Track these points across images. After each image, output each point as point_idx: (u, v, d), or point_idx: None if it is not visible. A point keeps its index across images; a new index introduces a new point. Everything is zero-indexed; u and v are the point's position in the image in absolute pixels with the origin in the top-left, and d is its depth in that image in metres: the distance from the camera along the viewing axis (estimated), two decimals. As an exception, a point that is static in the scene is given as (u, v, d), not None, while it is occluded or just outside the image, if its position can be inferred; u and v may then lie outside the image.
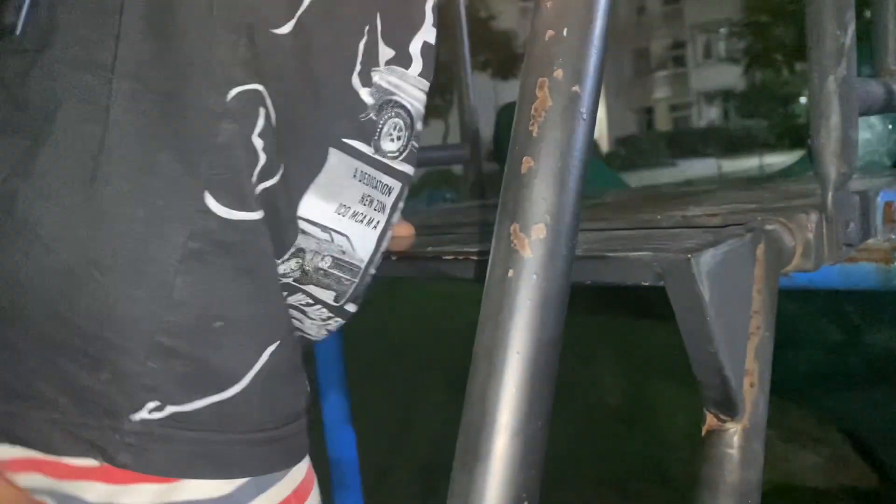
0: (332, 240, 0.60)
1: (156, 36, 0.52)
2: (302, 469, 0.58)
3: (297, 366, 0.57)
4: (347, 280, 0.62)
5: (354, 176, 0.60)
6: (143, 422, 0.48)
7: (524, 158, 0.35)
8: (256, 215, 0.52)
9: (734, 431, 0.59)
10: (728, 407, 0.58)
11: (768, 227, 0.63)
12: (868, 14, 0.99)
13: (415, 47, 0.62)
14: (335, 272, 0.61)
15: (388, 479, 2.58)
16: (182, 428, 0.49)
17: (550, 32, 0.37)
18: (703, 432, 0.59)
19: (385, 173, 0.62)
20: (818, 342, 2.13)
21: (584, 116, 0.36)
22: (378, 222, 0.63)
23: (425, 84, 0.63)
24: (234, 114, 0.51)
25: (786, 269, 0.66)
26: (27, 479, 0.53)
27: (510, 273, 0.34)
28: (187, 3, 0.52)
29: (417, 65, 0.62)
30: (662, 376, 3.08)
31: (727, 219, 0.69)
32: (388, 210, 0.64)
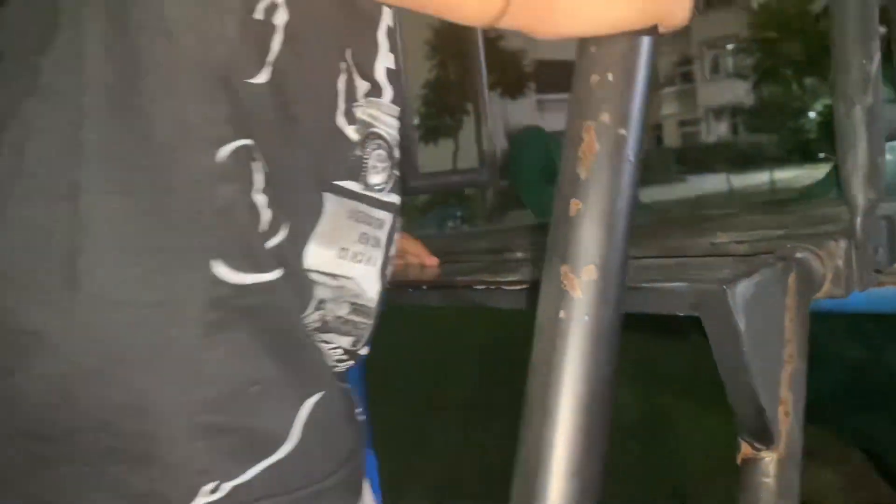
0: (343, 286, 0.59)
1: (123, 112, 0.48)
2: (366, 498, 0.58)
3: (348, 409, 0.57)
4: (364, 324, 0.62)
5: (351, 217, 0.59)
6: None
7: (573, 201, 0.36)
8: (272, 275, 0.51)
9: (770, 460, 0.59)
10: (763, 436, 0.58)
11: (798, 255, 0.64)
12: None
13: (380, 75, 0.62)
14: (353, 318, 0.61)
15: (405, 500, 2.57)
16: (244, 502, 0.48)
17: (595, 77, 0.37)
18: (739, 461, 0.59)
19: (376, 207, 0.61)
20: (839, 361, 2.12)
21: (631, 158, 0.37)
22: (376, 259, 0.62)
23: (396, 110, 0.64)
24: (229, 174, 0.49)
25: (816, 296, 0.67)
26: None
27: (562, 314, 0.34)
28: (153, 70, 0.49)
29: (388, 92, 0.62)
30: (678, 393, 3.06)
31: (756, 246, 0.69)
32: (383, 244, 0.63)
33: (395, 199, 0.64)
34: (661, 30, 0.40)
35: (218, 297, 0.48)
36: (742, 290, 0.54)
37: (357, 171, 0.59)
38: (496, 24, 0.43)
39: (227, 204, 0.49)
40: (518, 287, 0.67)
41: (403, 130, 0.67)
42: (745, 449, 0.58)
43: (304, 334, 0.55)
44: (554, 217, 0.37)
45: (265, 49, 0.51)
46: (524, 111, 23.04)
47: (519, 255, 0.90)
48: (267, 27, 0.51)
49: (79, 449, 0.47)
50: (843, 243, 0.66)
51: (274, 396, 0.50)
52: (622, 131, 0.36)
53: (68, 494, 0.48)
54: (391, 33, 0.64)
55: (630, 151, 0.37)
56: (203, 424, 0.47)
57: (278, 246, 0.52)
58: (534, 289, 0.68)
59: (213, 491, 0.47)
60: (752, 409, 0.58)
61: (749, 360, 0.55)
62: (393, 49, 0.63)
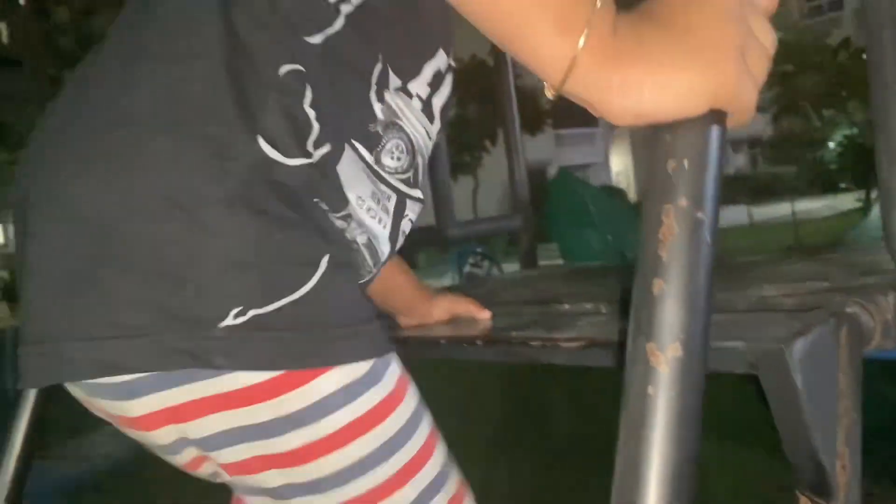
0: (364, 223, 0.66)
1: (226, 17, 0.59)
2: (392, 376, 0.62)
3: (356, 283, 0.64)
4: (370, 267, 0.68)
5: (364, 172, 0.66)
6: (229, 327, 0.54)
7: (655, 280, 0.38)
8: (312, 160, 0.59)
9: (830, 514, 0.60)
10: (823, 490, 0.60)
11: (849, 310, 0.65)
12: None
13: (413, 88, 0.69)
14: (365, 253, 0.67)
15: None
16: (264, 328, 0.54)
17: (672, 163, 0.40)
18: (800, 515, 0.60)
19: (382, 183, 0.68)
20: (875, 398, 2.11)
21: (708, 241, 0.39)
22: (385, 223, 0.69)
23: (427, 124, 0.71)
24: (287, 86, 0.58)
25: (866, 349, 0.68)
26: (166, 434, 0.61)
27: (649, 389, 0.36)
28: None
29: (418, 102, 0.70)
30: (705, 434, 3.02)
31: (805, 300, 0.71)
32: (391, 215, 0.69)
33: (402, 187, 0.70)
34: (729, 122, 0.43)
35: (264, 162, 0.56)
36: (799, 349, 0.56)
37: (373, 144, 0.66)
38: (563, 86, 0.45)
39: (283, 106, 0.57)
40: (575, 344, 0.69)
41: (440, 178, 0.72)
42: (805, 502, 0.60)
43: (332, 218, 0.62)
44: (635, 296, 0.39)
45: (326, 23, 0.62)
46: (543, 147, 23.15)
47: (566, 306, 0.92)
48: (335, 10, 0.62)
49: (123, 272, 0.54)
50: (891, 297, 0.68)
51: (298, 246, 0.57)
52: (699, 215, 0.39)
53: (114, 302, 0.55)
54: (437, 76, 0.72)
55: (707, 233, 0.39)
56: (234, 260, 0.54)
57: (324, 156, 0.60)
58: (591, 346, 0.71)
59: (239, 315, 0.54)
60: (811, 464, 0.59)
61: (808, 416, 0.56)
62: (433, 88, 0.72)
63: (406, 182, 0.71)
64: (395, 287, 0.98)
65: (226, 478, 0.65)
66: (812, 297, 0.72)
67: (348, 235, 0.64)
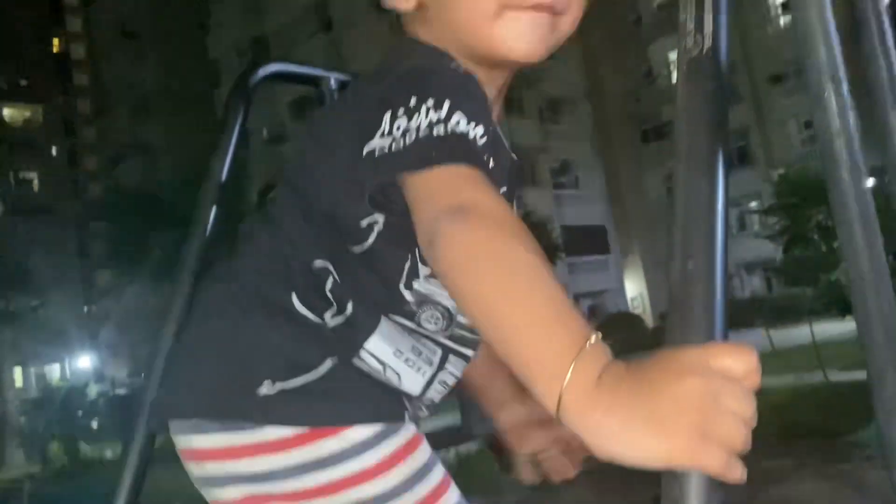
0: (385, 372, 0.81)
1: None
2: (400, 437, 0.79)
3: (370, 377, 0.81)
4: (396, 383, 0.82)
5: (405, 332, 0.81)
6: (265, 395, 0.77)
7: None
8: (329, 325, 0.80)
9: None
10: None
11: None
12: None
13: None
14: (392, 378, 0.82)
15: None
16: (288, 398, 0.77)
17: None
18: None
19: (428, 340, 0.83)
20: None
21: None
22: (425, 371, 0.83)
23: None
24: (316, 274, 0.81)
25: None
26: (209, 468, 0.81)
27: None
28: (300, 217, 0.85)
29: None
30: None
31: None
32: (435, 365, 0.84)
33: (449, 343, 0.84)
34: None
35: (297, 312, 0.80)
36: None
37: (410, 315, 0.81)
38: (557, 414, 0.54)
39: (314, 286, 0.80)
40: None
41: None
42: None
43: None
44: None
45: (364, 237, 0.79)
46: (557, 275, 23.36)
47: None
48: (368, 231, 0.79)
49: (189, 352, 0.88)
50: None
51: (307, 346, 0.80)
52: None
53: (181, 379, 0.87)
54: None
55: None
56: (268, 349, 0.80)
57: (340, 325, 0.80)
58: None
59: (269, 386, 0.77)
60: None
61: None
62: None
63: (453, 338, 0.84)
64: (487, 386, 0.99)
65: None
66: None
67: (371, 364, 0.81)
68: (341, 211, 0.79)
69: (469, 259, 0.60)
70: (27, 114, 43.53)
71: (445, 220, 0.62)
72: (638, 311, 28.47)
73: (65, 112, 45.23)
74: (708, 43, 0.59)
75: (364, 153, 0.70)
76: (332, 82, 1.35)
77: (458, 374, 0.87)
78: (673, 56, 29.47)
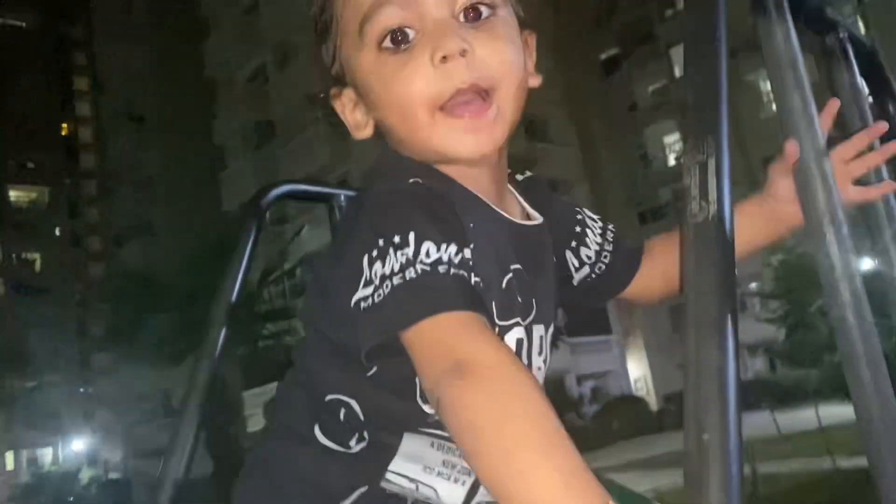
0: (418, 489, 0.80)
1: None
2: None
3: None
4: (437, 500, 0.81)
5: (433, 446, 0.81)
6: None
7: None
8: (352, 451, 0.83)
9: None
10: None
11: None
12: None
13: None
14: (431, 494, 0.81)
15: None
16: None
17: None
18: None
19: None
20: None
21: None
22: (465, 482, 0.81)
23: None
24: (330, 407, 0.83)
25: None
26: None
27: None
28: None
29: None
30: None
31: None
32: (473, 475, 0.80)
33: None
34: None
35: (316, 441, 0.85)
36: None
37: (440, 426, 0.79)
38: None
39: (332, 417, 0.84)
40: None
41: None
42: None
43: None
44: None
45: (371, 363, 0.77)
46: (559, 357, 23.22)
47: None
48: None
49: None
50: None
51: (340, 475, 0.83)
52: None
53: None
54: None
55: None
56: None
57: (364, 448, 0.82)
58: None
59: None
60: None
61: None
62: None
63: None
64: None
65: None
66: None
67: (403, 484, 0.82)
68: (351, 343, 0.76)
69: (472, 428, 0.59)
70: (33, 195, 44.12)
71: (444, 384, 0.62)
72: (641, 394, 28.11)
73: (70, 193, 45.87)
74: (713, 209, 0.61)
75: (352, 303, 0.70)
76: (342, 199, 1.38)
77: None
78: (668, 139, 30.15)
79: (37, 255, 42.17)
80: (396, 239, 0.68)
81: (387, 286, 0.67)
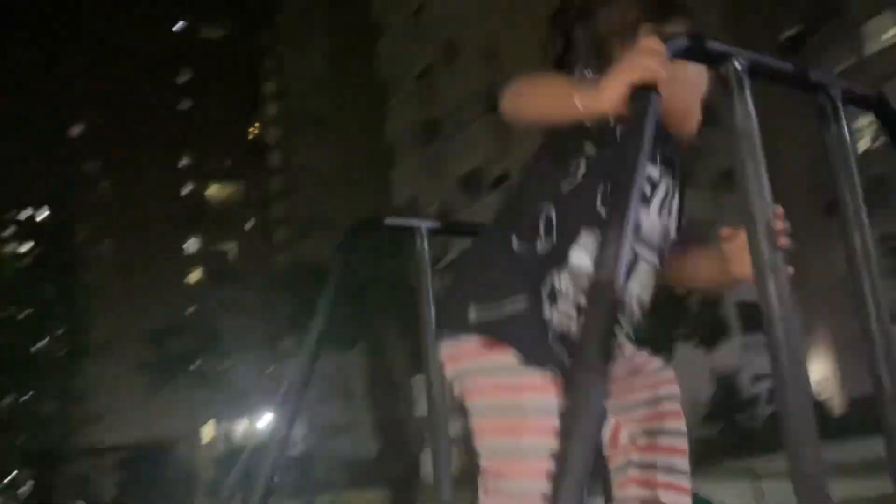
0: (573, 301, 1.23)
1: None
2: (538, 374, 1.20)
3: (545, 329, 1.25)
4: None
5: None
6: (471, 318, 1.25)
7: None
8: (540, 252, 1.27)
9: None
10: None
11: None
12: None
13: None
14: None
15: None
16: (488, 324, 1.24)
17: None
18: None
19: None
20: None
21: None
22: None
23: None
24: (532, 220, 1.28)
25: None
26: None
27: None
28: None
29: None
30: None
31: None
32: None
33: (637, 248, 1.30)
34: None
35: (515, 247, 1.30)
36: None
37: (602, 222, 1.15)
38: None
39: (530, 224, 1.29)
40: None
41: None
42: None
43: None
44: None
45: (575, 171, 1.30)
46: (731, 356, 22.13)
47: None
48: (577, 167, 1.30)
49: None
50: None
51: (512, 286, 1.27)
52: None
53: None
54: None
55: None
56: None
57: (550, 248, 1.26)
58: None
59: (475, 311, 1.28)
60: None
61: None
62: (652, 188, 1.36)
63: (643, 242, 1.31)
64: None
65: None
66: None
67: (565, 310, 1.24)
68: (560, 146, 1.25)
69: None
70: (228, 191, 48.35)
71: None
72: (826, 396, 26.10)
73: (259, 189, 49.76)
74: None
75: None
76: (424, 231, 1.61)
77: (645, 284, 1.30)
78: (857, 124, 27.58)
79: (231, 246, 46.23)
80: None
81: None
